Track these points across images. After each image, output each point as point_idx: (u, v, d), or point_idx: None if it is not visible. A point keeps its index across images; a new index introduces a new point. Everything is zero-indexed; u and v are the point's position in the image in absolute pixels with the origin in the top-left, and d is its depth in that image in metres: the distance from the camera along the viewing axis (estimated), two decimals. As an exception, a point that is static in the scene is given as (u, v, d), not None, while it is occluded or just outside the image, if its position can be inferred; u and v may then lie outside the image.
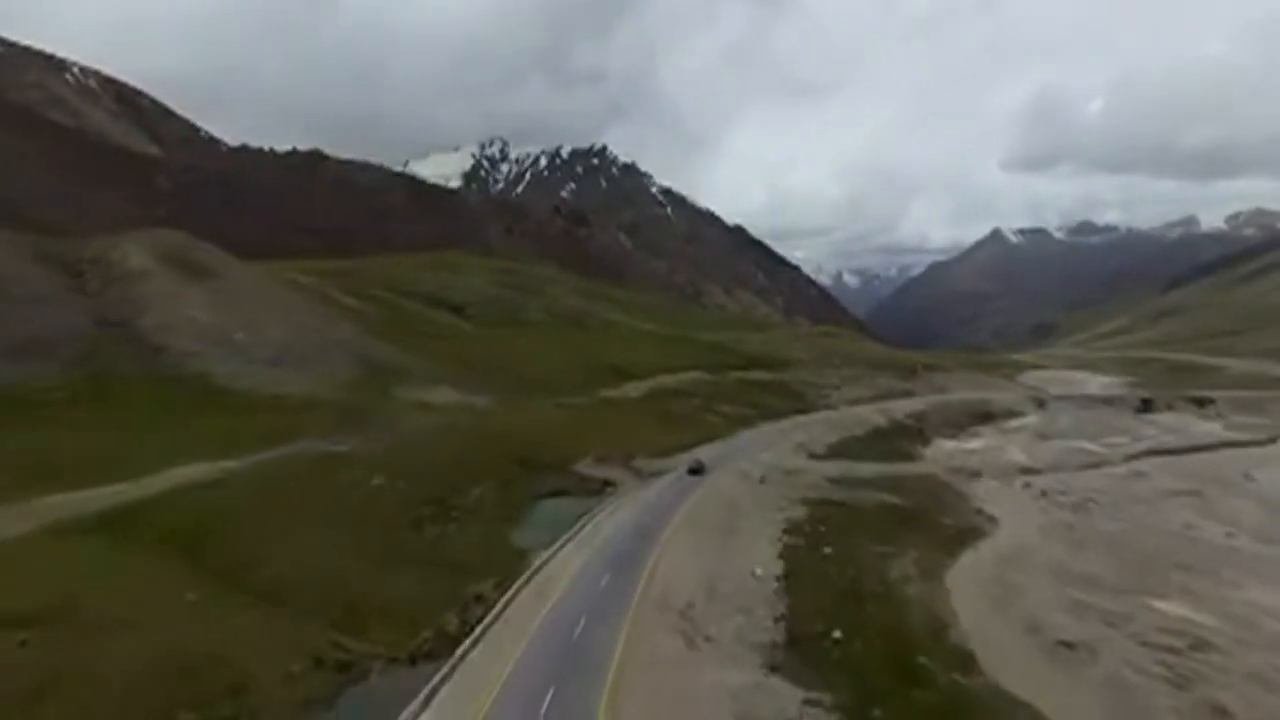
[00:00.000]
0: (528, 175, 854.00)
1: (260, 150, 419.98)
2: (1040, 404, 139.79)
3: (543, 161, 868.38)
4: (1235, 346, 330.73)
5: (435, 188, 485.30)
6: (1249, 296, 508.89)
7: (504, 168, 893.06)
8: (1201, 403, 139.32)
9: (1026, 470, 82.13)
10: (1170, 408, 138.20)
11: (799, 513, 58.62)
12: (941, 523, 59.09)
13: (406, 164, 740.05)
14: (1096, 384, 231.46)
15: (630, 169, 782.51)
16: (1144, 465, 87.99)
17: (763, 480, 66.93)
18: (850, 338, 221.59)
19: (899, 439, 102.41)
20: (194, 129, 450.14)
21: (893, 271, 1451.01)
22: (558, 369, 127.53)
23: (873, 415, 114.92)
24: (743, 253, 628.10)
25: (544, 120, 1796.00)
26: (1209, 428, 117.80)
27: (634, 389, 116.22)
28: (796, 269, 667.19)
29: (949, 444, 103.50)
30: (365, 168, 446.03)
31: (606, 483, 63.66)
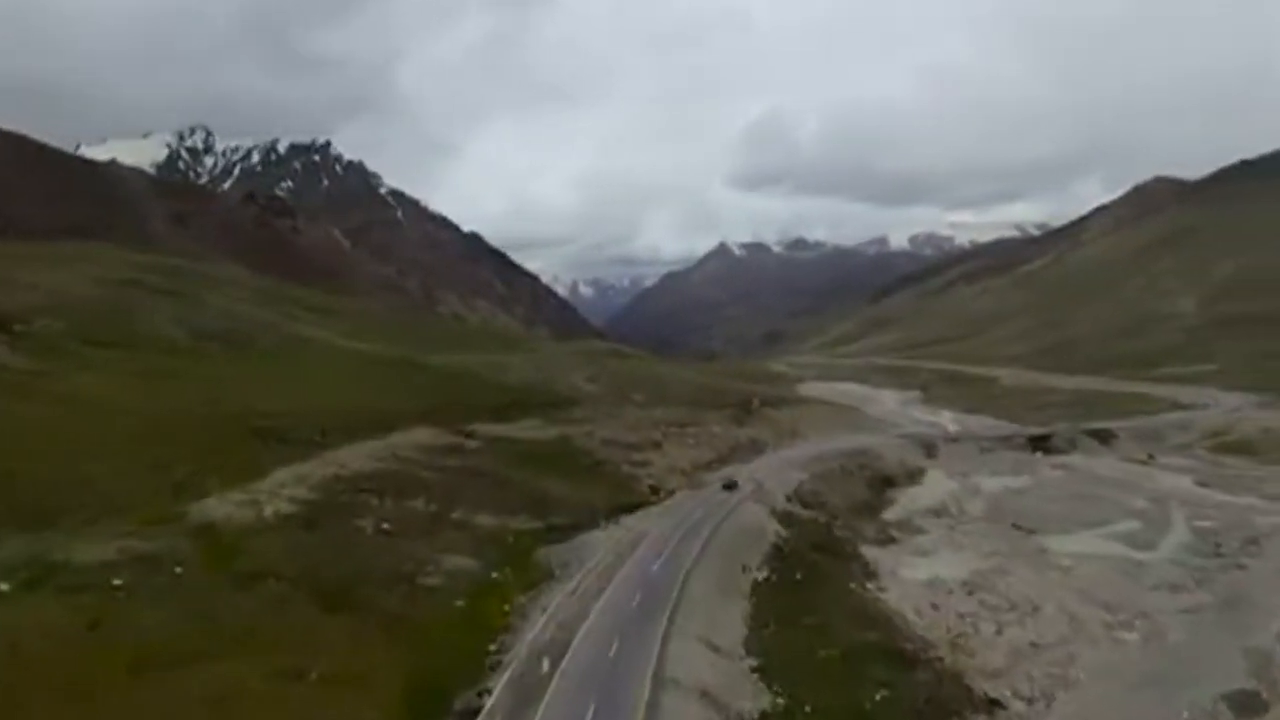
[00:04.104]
0: (237, 170, 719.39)
1: None
2: (929, 451, 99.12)
3: (255, 156, 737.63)
4: (975, 353, 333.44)
5: (70, 157, 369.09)
6: (948, 306, 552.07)
7: (209, 160, 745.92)
8: (1104, 438, 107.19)
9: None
10: (1074, 445, 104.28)
11: None
12: None
13: (78, 148, 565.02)
14: (893, 399, 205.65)
15: (356, 167, 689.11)
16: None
17: None
18: (642, 358, 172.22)
19: (831, 575, 52.26)
20: None
21: (626, 282, 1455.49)
22: (133, 445, 61.85)
23: (751, 509, 64.17)
24: (480, 261, 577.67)
25: (258, 109, 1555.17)
26: (1182, 484, 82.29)
27: (286, 483, 54.67)
28: (535, 278, 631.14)
29: (914, 571, 55.13)
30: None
31: None
